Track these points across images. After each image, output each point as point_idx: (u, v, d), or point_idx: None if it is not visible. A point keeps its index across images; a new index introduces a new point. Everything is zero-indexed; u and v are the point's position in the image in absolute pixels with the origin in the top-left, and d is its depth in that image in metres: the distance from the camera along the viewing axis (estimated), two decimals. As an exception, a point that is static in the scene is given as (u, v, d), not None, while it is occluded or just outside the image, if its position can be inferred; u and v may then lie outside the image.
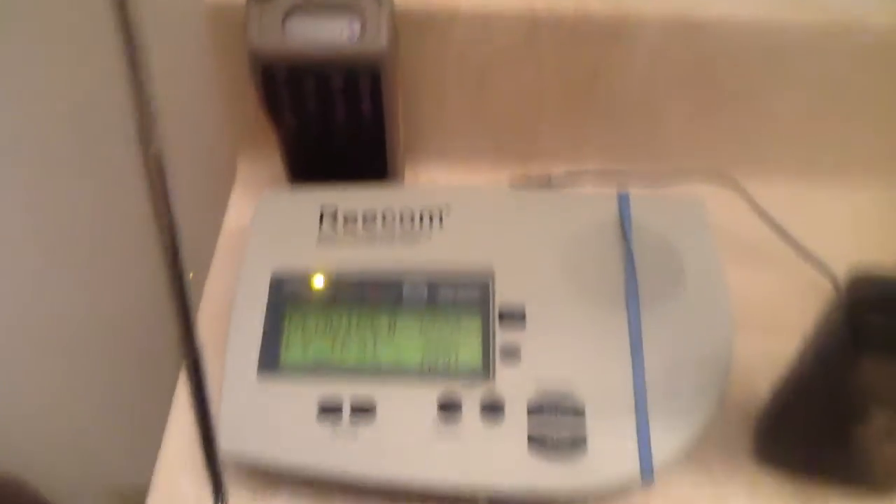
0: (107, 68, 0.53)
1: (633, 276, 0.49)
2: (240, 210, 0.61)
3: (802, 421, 0.45)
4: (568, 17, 0.53)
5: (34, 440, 1.22)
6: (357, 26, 0.49)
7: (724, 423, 0.50)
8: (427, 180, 0.63)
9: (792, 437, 0.47)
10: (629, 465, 0.44)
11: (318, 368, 0.47)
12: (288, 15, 0.49)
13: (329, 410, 0.45)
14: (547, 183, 0.59)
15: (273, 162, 0.59)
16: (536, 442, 0.44)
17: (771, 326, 0.49)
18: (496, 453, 0.44)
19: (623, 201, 0.53)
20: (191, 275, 0.33)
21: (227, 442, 0.45)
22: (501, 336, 0.47)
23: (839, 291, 0.40)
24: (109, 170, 0.68)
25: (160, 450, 0.50)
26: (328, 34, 0.49)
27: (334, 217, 0.53)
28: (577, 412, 0.45)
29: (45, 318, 0.87)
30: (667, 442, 0.45)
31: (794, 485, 0.48)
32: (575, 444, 0.44)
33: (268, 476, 0.47)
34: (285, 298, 0.49)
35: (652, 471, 0.44)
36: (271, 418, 0.46)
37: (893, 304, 0.38)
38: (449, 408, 0.45)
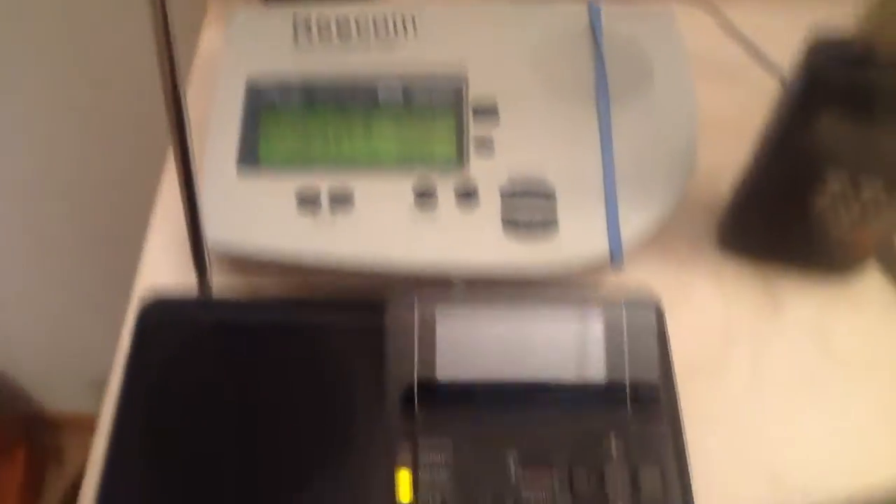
0: None
1: (602, 75, 0.50)
2: (213, 35, 0.61)
3: (763, 199, 0.47)
4: None
5: (8, 328, 1.22)
6: None
7: (691, 219, 0.52)
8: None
9: (754, 220, 0.48)
10: (599, 244, 0.46)
11: (296, 164, 0.48)
12: None
13: (308, 201, 0.47)
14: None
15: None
16: (509, 224, 0.46)
17: (737, 137, 0.49)
18: (471, 236, 0.46)
19: (594, 12, 0.54)
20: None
21: (211, 234, 0.45)
22: (475, 130, 0.48)
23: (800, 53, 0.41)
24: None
25: (144, 244, 0.51)
26: None
27: (308, 26, 0.53)
28: (549, 196, 0.47)
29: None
30: (635, 225, 0.47)
31: (755, 269, 0.51)
32: (546, 225, 0.46)
33: (250, 267, 0.48)
34: (262, 102, 0.50)
35: (621, 251, 0.46)
36: (252, 211, 0.47)
37: (852, 63, 0.39)
38: (425, 195, 0.47)
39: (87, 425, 0.50)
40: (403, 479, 0.38)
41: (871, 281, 0.50)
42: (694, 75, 0.52)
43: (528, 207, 0.46)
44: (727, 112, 0.56)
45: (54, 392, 1.42)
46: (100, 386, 0.45)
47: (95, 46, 0.75)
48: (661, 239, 0.50)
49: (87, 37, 0.74)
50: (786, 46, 0.55)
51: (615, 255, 0.46)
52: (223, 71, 0.51)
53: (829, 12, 0.60)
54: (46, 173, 0.90)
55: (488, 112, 0.49)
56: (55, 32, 0.74)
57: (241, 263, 0.48)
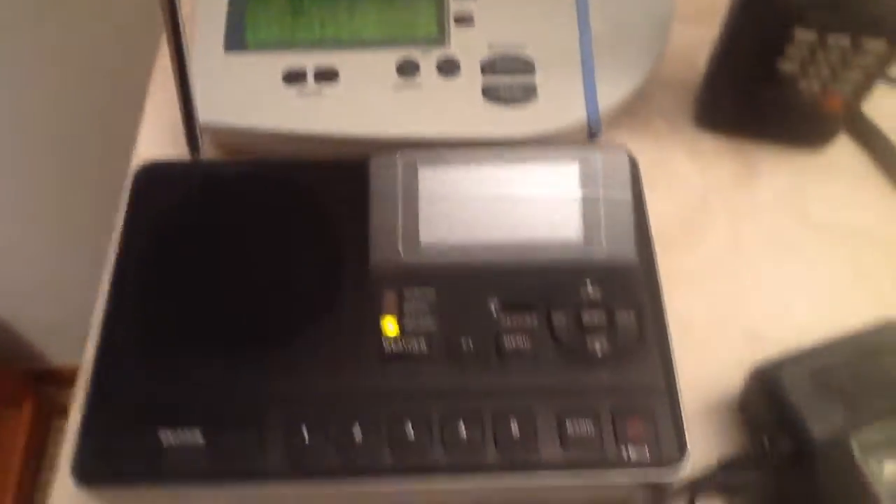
0: None
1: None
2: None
3: (735, 68, 0.48)
4: None
5: (13, 282, 1.23)
6: None
7: (667, 96, 0.53)
8: None
9: (728, 92, 0.50)
10: (577, 112, 0.48)
11: (282, 46, 0.49)
12: None
13: (294, 76, 0.48)
14: None
15: None
16: (490, 93, 0.47)
17: (712, 15, 0.50)
18: (453, 105, 0.47)
19: None
20: None
21: (202, 114, 0.47)
22: (455, 5, 0.50)
23: None
24: None
25: (139, 127, 0.52)
26: None
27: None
28: (528, 66, 0.48)
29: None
30: (611, 93, 0.48)
31: (732, 143, 0.52)
32: (526, 94, 0.47)
33: (241, 148, 0.50)
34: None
35: (598, 119, 0.47)
36: (240, 89, 0.48)
37: None
38: (407, 69, 0.48)
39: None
40: (389, 323, 0.40)
41: (844, 149, 0.52)
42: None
43: (508, 78, 0.48)
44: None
45: (61, 346, 1.44)
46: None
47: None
48: (638, 116, 0.52)
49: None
50: None
51: (593, 123, 0.48)
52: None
53: None
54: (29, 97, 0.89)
55: (468, -12, 0.50)
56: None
57: (232, 145, 0.50)
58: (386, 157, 0.43)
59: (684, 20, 0.51)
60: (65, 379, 1.48)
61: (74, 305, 1.26)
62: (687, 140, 0.52)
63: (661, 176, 0.50)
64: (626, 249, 0.41)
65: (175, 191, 0.43)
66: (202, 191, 0.43)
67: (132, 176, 0.43)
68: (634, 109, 0.52)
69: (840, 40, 0.44)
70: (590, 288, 0.40)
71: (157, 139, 0.52)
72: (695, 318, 0.45)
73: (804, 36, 0.44)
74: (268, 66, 0.48)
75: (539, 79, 0.48)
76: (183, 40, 0.41)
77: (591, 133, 0.48)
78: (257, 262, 0.41)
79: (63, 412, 1.47)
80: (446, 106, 0.47)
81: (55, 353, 1.45)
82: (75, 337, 1.30)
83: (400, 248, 0.41)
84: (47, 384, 1.46)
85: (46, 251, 1.21)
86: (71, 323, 1.33)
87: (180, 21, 0.39)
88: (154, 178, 0.43)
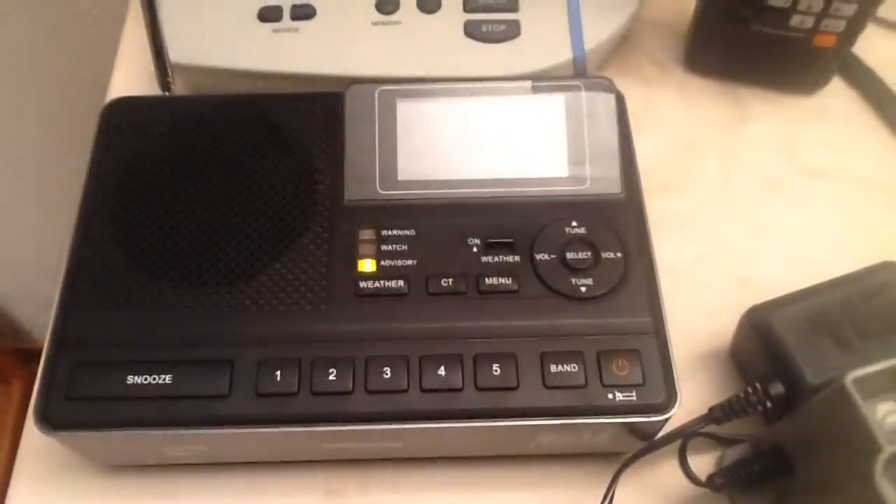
0: None
1: None
2: None
3: (725, 4, 0.46)
4: None
5: (4, 257, 1.22)
6: None
7: (655, 39, 0.52)
8: None
9: (717, 32, 0.48)
10: (562, 47, 0.46)
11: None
12: None
13: (270, 13, 0.46)
14: None
15: None
16: (472, 29, 0.46)
17: None
18: (433, 42, 0.46)
19: None
20: None
21: (176, 50, 0.45)
22: (437, -64, 0.48)
23: None
24: None
25: (112, 71, 0.50)
26: None
27: None
28: (511, 2, 0.46)
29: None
30: (598, 32, 0.47)
31: (722, 86, 0.50)
32: (509, 29, 0.46)
33: (216, 85, 0.48)
34: None
35: (583, 54, 0.46)
36: (213, 25, 0.47)
37: None
38: (387, 4, 0.46)
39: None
40: (365, 262, 0.38)
41: (837, 93, 0.50)
42: None
43: (491, 14, 0.46)
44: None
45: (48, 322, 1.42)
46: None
47: None
48: (627, 59, 0.50)
49: None
50: None
51: (578, 62, 0.46)
52: None
53: None
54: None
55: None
56: None
57: (205, 85, 0.48)
58: (362, 88, 0.41)
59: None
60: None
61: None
62: (676, 83, 0.50)
63: (650, 120, 0.49)
64: (611, 185, 0.40)
65: (144, 125, 0.41)
66: (171, 125, 0.41)
67: (101, 111, 0.41)
68: (622, 53, 0.50)
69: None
70: (574, 224, 0.39)
71: (133, 82, 0.50)
72: (684, 262, 0.44)
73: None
74: (242, 3, 0.46)
75: (522, 15, 0.46)
76: None
77: (576, 71, 0.46)
78: (227, 198, 0.39)
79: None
80: (426, 44, 0.46)
81: (45, 329, 1.43)
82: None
83: (377, 184, 0.40)
84: (38, 362, 1.44)
85: (35, 226, 1.19)
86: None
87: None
88: (122, 112, 0.42)
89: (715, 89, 0.50)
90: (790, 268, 0.42)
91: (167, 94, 0.44)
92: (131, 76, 0.50)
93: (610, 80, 0.41)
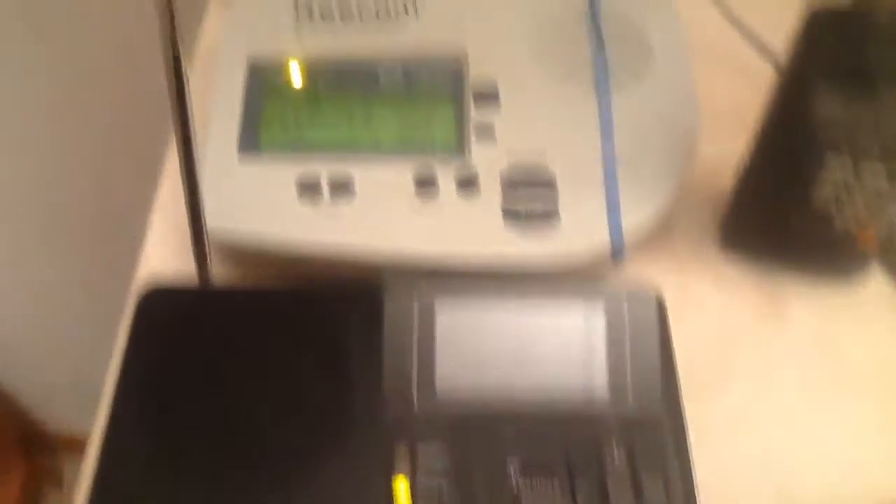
0: None
1: (602, 58, 0.50)
2: (216, 19, 0.61)
3: (764, 192, 0.46)
4: None
5: (6, 342, 1.21)
6: None
7: (692, 217, 0.51)
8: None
9: (756, 216, 0.48)
10: (600, 236, 0.45)
11: (298, 149, 0.47)
12: None
13: (309, 188, 0.46)
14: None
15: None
16: (510, 214, 0.45)
17: (737, 127, 0.49)
18: (472, 226, 0.45)
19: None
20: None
21: (212, 223, 0.45)
22: (475, 115, 0.48)
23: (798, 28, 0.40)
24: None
25: (146, 233, 0.50)
26: None
27: (310, 6, 0.53)
28: (549, 185, 0.46)
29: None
30: (636, 216, 0.46)
31: (759, 271, 0.50)
32: (548, 216, 0.45)
33: (251, 259, 0.48)
34: (262, 83, 0.49)
35: (622, 243, 0.45)
36: (253, 199, 0.46)
37: (848, 36, 0.38)
38: (425, 183, 0.46)
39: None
40: (401, 486, 0.37)
41: (876, 285, 0.49)
42: (693, 60, 0.51)
43: (529, 196, 0.46)
44: (727, 100, 0.55)
45: (54, 412, 1.41)
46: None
47: (93, 32, 0.75)
48: (662, 235, 0.50)
49: (85, 23, 0.74)
50: (782, 29, 0.56)
51: (616, 248, 0.45)
52: (224, 52, 0.51)
53: None
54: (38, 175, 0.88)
55: (489, 97, 0.49)
56: (51, 18, 0.73)
57: (242, 256, 0.48)
58: (401, 295, 0.40)
59: (709, 131, 0.49)
60: (58, 446, 1.44)
61: (69, 370, 1.24)
62: (711, 264, 0.50)
63: (684, 306, 0.48)
64: (653, 404, 0.39)
65: (180, 317, 0.40)
66: (209, 319, 0.40)
67: (136, 299, 0.41)
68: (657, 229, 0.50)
69: (876, 171, 0.42)
70: (615, 449, 0.38)
71: (168, 250, 0.49)
72: (724, 474, 0.42)
73: (837, 163, 0.42)
74: (282, 175, 0.47)
75: (561, 198, 0.46)
76: (194, 152, 0.39)
77: (614, 257, 0.46)
78: (263, 398, 0.38)
79: (54, 481, 1.44)
80: (465, 227, 0.45)
81: (49, 419, 1.41)
82: (69, 402, 1.28)
83: (414, 397, 0.39)
84: (39, 450, 1.43)
85: (43, 316, 1.19)
86: (65, 388, 1.31)
87: (191, 130, 0.37)
88: (159, 303, 0.41)
89: (751, 274, 0.49)
90: (829, 477, 0.42)
91: (205, 281, 0.43)
92: (168, 244, 0.50)
93: (653, 290, 0.40)
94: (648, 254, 0.49)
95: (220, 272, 0.46)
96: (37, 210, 0.97)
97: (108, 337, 0.52)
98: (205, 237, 0.42)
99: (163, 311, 0.41)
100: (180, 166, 0.40)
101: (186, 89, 0.35)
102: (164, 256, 0.49)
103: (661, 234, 0.50)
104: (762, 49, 0.57)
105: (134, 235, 0.51)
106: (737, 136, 0.48)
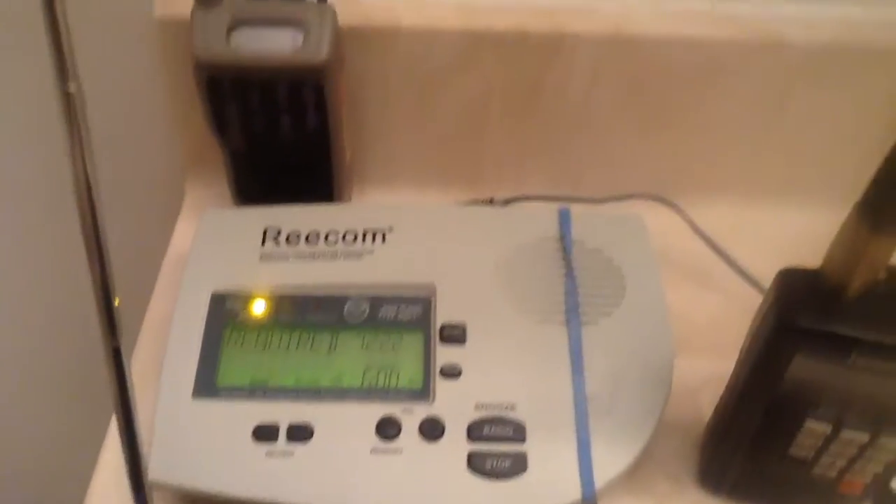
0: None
1: (573, 292, 0.49)
2: (186, 233, 0.60)
3: (741, 442, 0.44)
4: (506, 34, 0.53)
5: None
6: (300, 37, 0.49)
7: (669, 446, 0.49)
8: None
9: (733, 462, 0.46)
10: (571, 486, 0.44)
11: (256, 390, 0.46)
12: (233, 26, 0.49)
13: (265, 433, 0.44)
14: (489, 204, 0.60)
15: (221, 185, 0.59)
16: (476, 463, 0.44)
17: (713, 348, 0.48)
18: (435, 475, 0.44)
19: (564, 217, 0.53)
20: (116, 301, 0.32)
21: (160, 467, 0.43)
22: (442, 355, 0.47)
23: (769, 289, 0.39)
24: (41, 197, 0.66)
25: (90, 482, 0.48)
26: (272, 45, 0.49)
27: (277, 235, 0.52)
28: (518, 432, 0.44)
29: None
30: (609, 463, 0.44)
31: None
32: (515, 464, 0.44)
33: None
34: (224, 317, 0.48)
35: (594, 493, 0.43)
36: (205, 442, 0.44)
37: (821, 304, 0.37)
38: (388, 429, 0.44)
39: None
40: None
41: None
42: (666, 280, 0.51)
43: (496, 444, 0.44)
44: (701, 319, 0.55)
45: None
46: None
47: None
48: (640, 468, 0.47)
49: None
50: (755, 245, 0.55)
51: (587, 496, 0.43)
52: (187, 281, 0.50)
53: (789, 213, 0.61)
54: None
55: (456, 336, 0.47)
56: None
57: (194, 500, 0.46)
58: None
59: (682, 348, 0.48)
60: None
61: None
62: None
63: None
64: None
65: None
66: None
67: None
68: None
69: (856, 436, 0.40)
70: None
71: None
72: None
73: (817, 427, 0.40)
74: (238, 419, 0.45)
75: (530, 448, 0.44)
76: (132, 398, 0.36)
77: (585, 505, 0.44)
78: None
79: None
80: (428, 475, 0.43)
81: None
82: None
83: None
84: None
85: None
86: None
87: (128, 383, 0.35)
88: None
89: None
90: None
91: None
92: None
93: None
94: (626, 492, 0.47)
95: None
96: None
97: None
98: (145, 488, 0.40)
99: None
100: (117, 418, 0.38)
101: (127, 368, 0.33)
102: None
103: (640, 464, 0.48)
104: (743, 273, 0.56)
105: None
106: (712, 355, 0.46)
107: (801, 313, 0.37)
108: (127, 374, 0.34)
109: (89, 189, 0.28)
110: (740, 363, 0.43)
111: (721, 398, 0.46)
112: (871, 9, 0.55)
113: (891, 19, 0.55)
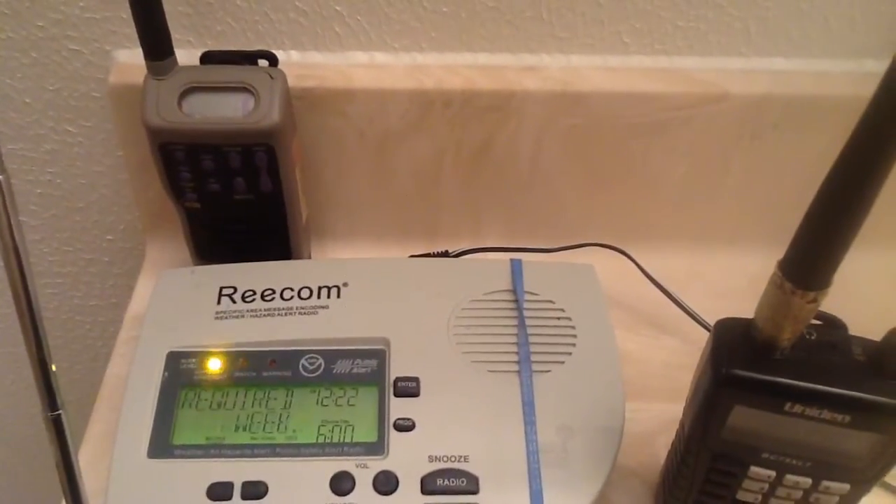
0: None
1: (525, 343, 0.50)
2: (145, 293, 0.60)
3: (693, 483, 0.45)
4: (457, 94, 0.55)
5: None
6: (251, 102, 0.50)
7: (626, 491, 0.50)
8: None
9: (687, 503, 0.46)
10: (524, 541, 0.44)
11: (211, 448, 0.46)
12: (185, 92, 0.50)
13: (219, 492, 0.44)
14: (444, 256, 0.61)
15: (180, 246, 0.59)
16: (430, 517, 0.44)
17: (669, 392, 0.48)
18: (390, 532, 0.44)
19: (516, 268, 0.54)
20: (53, 367, 0.33)
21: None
22: (396, 408, 0.47)
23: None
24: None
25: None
26: (223, 110, 0.50)
27: (233, 293, 0.52)
28: (471, 484, 0.45)
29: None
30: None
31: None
32: (469, 519, 0.44)
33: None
34: (180, 376, 0.48)
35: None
36: (160, 502, 0.45)
37: (756, 350, 0.38)
38: (342, 484, 0.45)
39: None
40: None
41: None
42: (621, 326, 0.52)
43: (450, 495, 0.45)
44: (657, 364, 0.56)
45: None
46: None
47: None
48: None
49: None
50: (706, 290, 0.57)
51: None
52: (143, 341, 0.50)
53: (741, 259, 0.63)
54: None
55: (410, 389, 0.48)
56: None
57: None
58: None
59: (642, 398, 0.50)
60: None
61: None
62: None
63: None
64: None
65: None
66: None
67: None
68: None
69: (800, 480, 0.41)
70: None
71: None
72: None
73: (761, 473, 0.41)
74: (192, 477, 0.45)
75: (483, 499, 0.44)
76: (76, 465, 0.37)
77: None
78: None
79: None
80: (382, 532, 0.43)
81: None
82: None
83: None
84: None
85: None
86: None
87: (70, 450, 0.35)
88: None
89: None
90: None
91: None
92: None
93: None
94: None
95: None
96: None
97: None
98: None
99: None
100: (61, 483, 0.38)
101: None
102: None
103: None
104: (694, 318, 0.57)
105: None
106: (664, 398, 0.47)
107: (736, 363, 0.38)
108: (69, 440, 0.34)
109: (21, 272, 0.28)
110: (685, 411, 0.44)
111: (672, 444, 0.46)
112: (813, 62, 0.57)
113: (824, 69, 0.57)
